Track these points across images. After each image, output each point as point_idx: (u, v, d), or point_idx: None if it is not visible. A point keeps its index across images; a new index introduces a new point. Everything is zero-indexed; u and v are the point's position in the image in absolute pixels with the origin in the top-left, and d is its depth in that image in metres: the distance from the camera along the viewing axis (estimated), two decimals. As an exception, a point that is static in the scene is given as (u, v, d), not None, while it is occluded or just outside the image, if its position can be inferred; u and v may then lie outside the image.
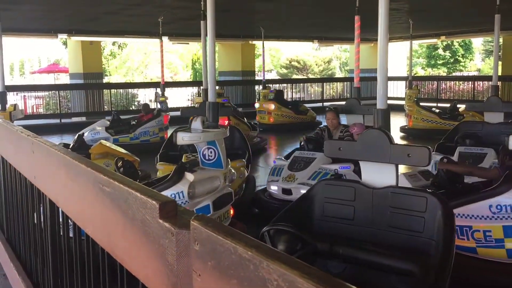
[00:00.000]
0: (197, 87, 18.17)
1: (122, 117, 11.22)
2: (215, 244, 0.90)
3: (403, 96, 22.13)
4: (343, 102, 18.80)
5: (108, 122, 10.59)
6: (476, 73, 34.60)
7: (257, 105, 14.04)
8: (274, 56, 42.03)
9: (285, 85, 21.70)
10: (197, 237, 0.94)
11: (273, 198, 5.78)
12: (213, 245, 0.90)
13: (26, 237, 2.93)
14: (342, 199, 3.47)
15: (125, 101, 16.83)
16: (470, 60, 37.81)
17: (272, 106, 13.46)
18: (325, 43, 22.91)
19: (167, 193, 4.10)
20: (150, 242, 1.14)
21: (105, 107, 15.90)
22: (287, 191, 5.66)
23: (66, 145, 7.12)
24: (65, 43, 20.32)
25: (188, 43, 22.89)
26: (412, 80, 12.50)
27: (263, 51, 15.88)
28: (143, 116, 10.96)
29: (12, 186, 2.97)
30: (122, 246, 1.30)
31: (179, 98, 18.54)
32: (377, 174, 3.31)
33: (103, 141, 7.61)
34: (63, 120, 14.60)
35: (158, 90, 12.50)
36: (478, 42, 40.18)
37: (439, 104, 17.18)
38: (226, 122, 11.70)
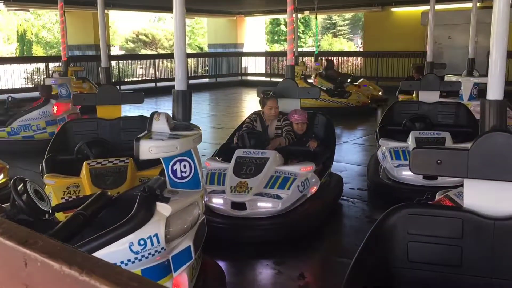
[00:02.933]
0: (41, 64, 15.28)
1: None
2: None
3: (263, 72, 21.82)
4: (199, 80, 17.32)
5: None
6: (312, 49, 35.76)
7: None
8: (110, 28, 38.50)
9: (130, 61, 19.75)
10: None
11: (216, 215, 4.24)
12: None
13: None
14: (441, 236, 2.33)
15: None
16: (310, 36, 39.00)
17: None
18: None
19: (132, 239, 2.53)
20: None
21: None
22: (239, 206, 4.21)
23: None
24: None
25: (28, 10, 19.27)
26: (318, 56, 11.70)
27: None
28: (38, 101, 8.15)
29: None
30: None
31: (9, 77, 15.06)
32: (499, 198, 2.23)
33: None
34: None
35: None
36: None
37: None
38: None
